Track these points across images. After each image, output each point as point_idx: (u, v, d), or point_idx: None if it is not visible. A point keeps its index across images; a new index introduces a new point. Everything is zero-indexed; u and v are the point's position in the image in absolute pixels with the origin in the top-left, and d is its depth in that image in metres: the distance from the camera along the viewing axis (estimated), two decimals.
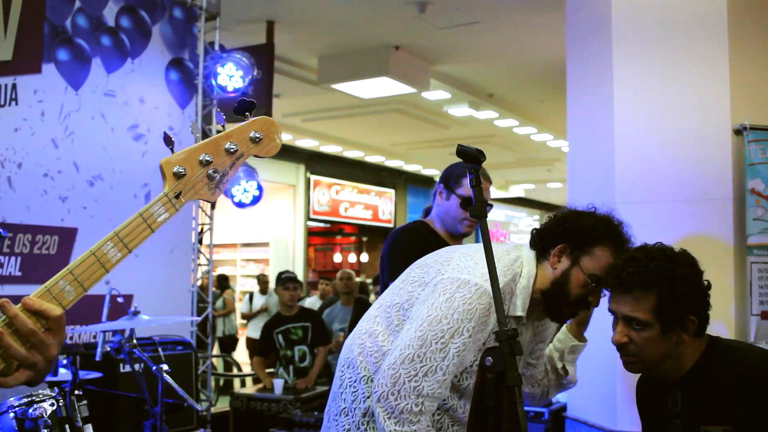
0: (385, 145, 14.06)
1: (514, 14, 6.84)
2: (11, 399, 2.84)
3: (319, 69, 8.32)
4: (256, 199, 5.99)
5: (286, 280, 5.93)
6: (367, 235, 17.26)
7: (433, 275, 2.03)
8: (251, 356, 9.09)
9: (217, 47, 5.69)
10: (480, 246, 2.02)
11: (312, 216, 14.06)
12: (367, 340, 2.07)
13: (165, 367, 3.47)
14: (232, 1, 6.27)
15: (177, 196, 1.29)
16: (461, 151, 1.67)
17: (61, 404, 2.91)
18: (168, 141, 1.31)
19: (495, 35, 7.52)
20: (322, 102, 10.23)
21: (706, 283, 1.89)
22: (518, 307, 2.01)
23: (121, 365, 4.06)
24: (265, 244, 13.67)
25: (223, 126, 1.37)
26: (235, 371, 9.84)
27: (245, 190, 5.89)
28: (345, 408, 2.06)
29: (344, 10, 6.90)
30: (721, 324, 3.66)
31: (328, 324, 6.29)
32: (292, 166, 13.59)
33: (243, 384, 8.98)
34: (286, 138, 12.71)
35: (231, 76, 5.49)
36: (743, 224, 3.80)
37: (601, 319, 2.50)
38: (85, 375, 3.38)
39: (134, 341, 3.53)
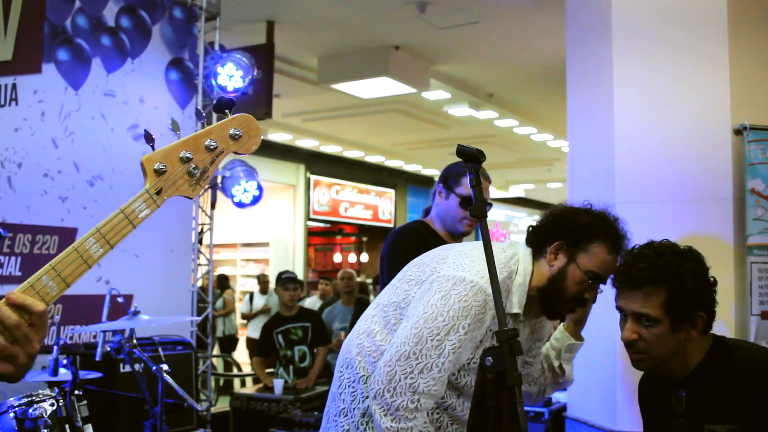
0: (385, 145, 14.06)
1: (514, 14, 6.84)
2: (11, 399, 2.84)
3: (319, 69, 8.32)
4: (256, 199, 5.98)
5: (286, 280, 5.93)
6: (367, 235, 17.25)
7: (429, 273, 2.03)
8: (251, 356, 9.08)
9: (217, 47, 5.68)
10: (476, 244, 2.03)
11: (312, 216, 14.05)
12: (365, 339, 2.06)
13: (165, 367, 3.46)
14: (232, 1, 6.27)
15: (158, 193, 1.30)
16: (461, 150, 1.67)
17: (61, 404, 2.91)
18: (149, 138, 1.33)
19: (495, 35, 7.51)
20: (322, 102, 10.22)
21: (712, 279, 1.90)
22: (515, 304, 2.01)
23: (121, 365, 4.05)
24: (265, 244, 13.67)
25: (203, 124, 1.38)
26: (235, 371, 9.85)
27: (245, 190, 5.88)
28: (344, 408, 2.06)
29: (344, 10, 6.90)
30: (722, 324, 3.65)
31: (328, 323, 6.29)
32: (292, 166, 13.58)
33: (243, 384, 8.98)
34: (286, 138, 12.71)
35: (231, 76, 5.48)
36: (743, 224, 3.79)
37: (601, 318, 2.51)
38: (85, 375, 3.37)
39: (134, 341, 3.53)
